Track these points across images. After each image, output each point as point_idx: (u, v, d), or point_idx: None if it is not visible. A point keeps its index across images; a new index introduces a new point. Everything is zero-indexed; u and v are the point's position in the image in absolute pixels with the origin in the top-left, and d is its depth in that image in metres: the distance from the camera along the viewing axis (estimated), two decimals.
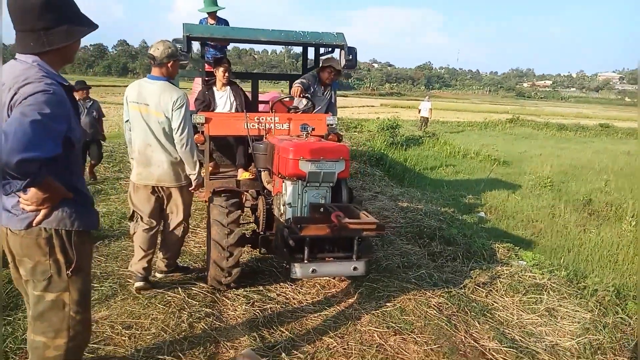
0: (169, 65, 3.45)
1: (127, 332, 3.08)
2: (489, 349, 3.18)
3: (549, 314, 3.72)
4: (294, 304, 3.69)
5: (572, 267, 4.81)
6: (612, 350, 3.24)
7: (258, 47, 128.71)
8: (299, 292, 3.86)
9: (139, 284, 3.59)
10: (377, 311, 3.58)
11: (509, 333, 3.42)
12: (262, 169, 4.03)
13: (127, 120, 3.59)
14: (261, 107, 5.84)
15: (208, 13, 6.43)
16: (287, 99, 5.05)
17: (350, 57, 4.64)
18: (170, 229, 3.70)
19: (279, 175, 3.58)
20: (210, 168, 4.32)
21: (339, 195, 3.64)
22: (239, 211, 3.71)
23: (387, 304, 3.71)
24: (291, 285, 3.96)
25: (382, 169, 10.95)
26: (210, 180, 4.18)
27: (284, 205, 3.49)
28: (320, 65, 5.10)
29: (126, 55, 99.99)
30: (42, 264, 1.88)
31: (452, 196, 9.05)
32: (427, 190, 9.26)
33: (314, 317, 3.48)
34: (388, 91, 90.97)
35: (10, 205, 1.84)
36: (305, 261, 3.08)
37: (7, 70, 1.75)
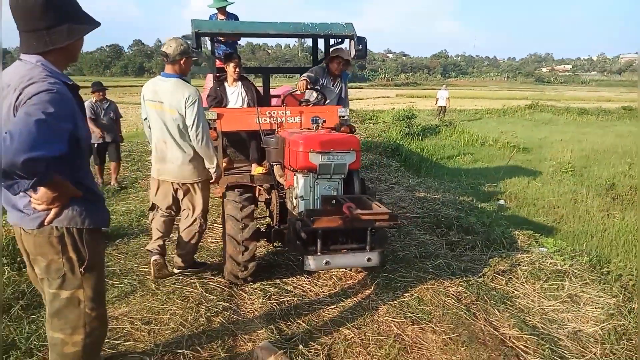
0: (182, 62, 3.49)
1: (146, 327, 3.12)
2: (509, 337, 3.13)
3: (571, 301, 3.64)
4: (311, 296, 3.69)
5: (595, 252, 4.69)
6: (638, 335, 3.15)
7: (271, 42, 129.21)
8: (316, 285, 3.86)
9: (155, 257, 3.72)
10: (395, 302, 3.56)
11: (529, 320, 3.36)
12: (274, 163, 4.03)
13: (145, 118, 3.72)
14: (274, 101, 5.82)
15: (218, 8, 6.46)
16: (298, 92, 5.03)
17: (360, 47, 4.59)
18: (187, 226, 3.75)
19: (291, 169, 3.57)
20: (224, 164, 4.34)
21: (351, 187, 3.61)
22: (253, 205, 3.72)
23: (405, 294, 3.68)
24: (308, 277, 3.96)
25: (398, 160, 10.82)
26: (224, 176, 4.20)
27: (296, 198, 3.48)
28: (329, 56, 5.06)
29: (142, 54, 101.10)
30: (55, 262, 1.92)
31: (470, 185, 8.93)
32: (444, 179, 9.15)
33: (331, 308, 3.47)
34: (403, 81, 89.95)
35: (22, 205, 1.87)
36: (319, 253, 3.07)
37: (12, 71, 1.77)
